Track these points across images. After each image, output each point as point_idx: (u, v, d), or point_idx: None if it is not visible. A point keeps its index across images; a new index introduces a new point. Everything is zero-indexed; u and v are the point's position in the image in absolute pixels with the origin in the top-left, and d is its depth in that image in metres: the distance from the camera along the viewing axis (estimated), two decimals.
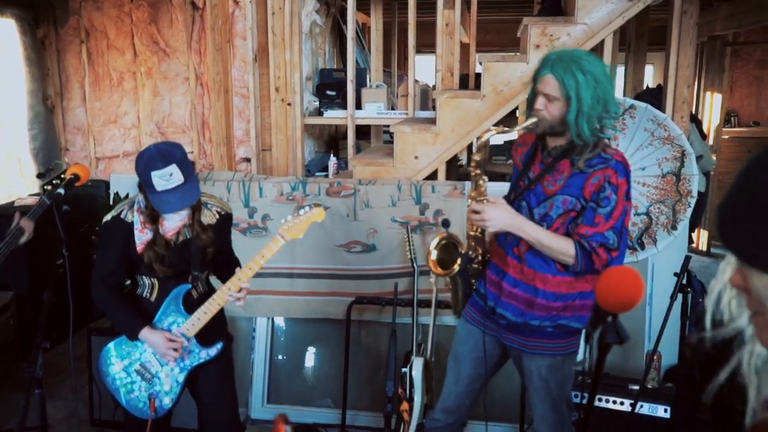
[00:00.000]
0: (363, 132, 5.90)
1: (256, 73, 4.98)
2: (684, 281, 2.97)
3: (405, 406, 3.20)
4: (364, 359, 3.85)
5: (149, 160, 2.22)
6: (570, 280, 2.27)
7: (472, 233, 2.43)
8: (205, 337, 2.48)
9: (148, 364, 2.49)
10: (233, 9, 4.92)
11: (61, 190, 2.37)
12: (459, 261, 2.48)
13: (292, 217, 2.41)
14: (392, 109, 5.30)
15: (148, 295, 2.49)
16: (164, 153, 2.23)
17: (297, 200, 3.81)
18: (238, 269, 2.44)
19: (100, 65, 5.11)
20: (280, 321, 3.99)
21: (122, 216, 2.41)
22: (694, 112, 6.60)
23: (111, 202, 4.36)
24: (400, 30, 7.17)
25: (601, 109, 2.13)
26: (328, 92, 5.28)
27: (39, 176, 2.84)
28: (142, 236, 2.38)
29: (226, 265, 2.59)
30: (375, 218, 3.76)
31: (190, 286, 2.47)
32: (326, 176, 5.21)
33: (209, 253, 2.48)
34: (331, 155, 5.35)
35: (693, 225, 4.28)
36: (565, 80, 2.10)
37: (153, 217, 2.37)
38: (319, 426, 3.70)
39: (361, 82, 5.41)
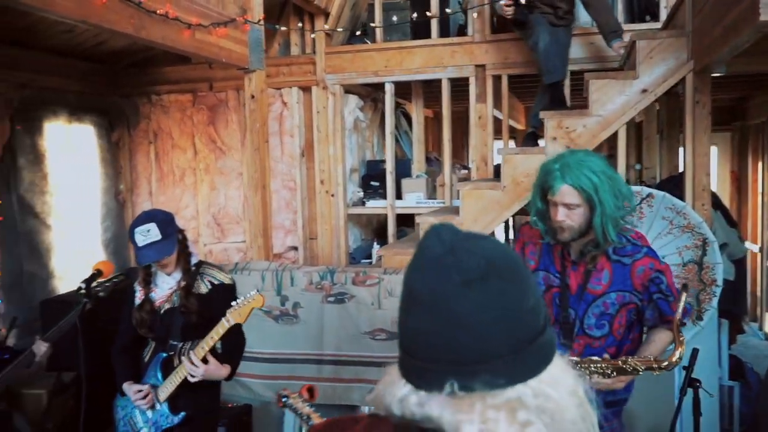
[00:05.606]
0: (411, 220, 6.08)
1: (302, 167, 5.34)
2: (693, 375, 2.87)
3: None
4: None
5: (136, 220, 2.60)
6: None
7: None
8: (173, 403, 2.65)
9: (135, 419, 2.72)
10: (282, 110, 5.34)
11: (82, 284, 2.65)
12: None
13: (239, 301, 2.53)
14: (434, 198, 5.48)
15: (145, 356, 2.76)
16: (149, 214, 2.61)
17: (325, 289, 3.99)
18: (192, 348, 2.57)
19: (165, 163, 5.62)
20: None
21: (134, 284, 2.77)
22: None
23: None
24: (456, 119, 7.46)
25: (621, 205, 2.12)
26: (372, 183, 5.54)
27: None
28: (137, 301, 2.71)
29: (230, 342, 2.67)
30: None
31: (167, 354, 2.68)
32: (370, 263, 5.40)
33: (192, 321, 2.62)
34: (374, 243, 5.55)
35: (735, 314, 4.11)
36: (582, 186, 2.07)
37: (146, 282, 2.69)
38: None
39: (404, 173, 5.65)
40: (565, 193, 2.09)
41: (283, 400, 2.23)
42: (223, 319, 2.50)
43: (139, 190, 5.71)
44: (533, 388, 0.82)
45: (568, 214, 2.11)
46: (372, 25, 5.22)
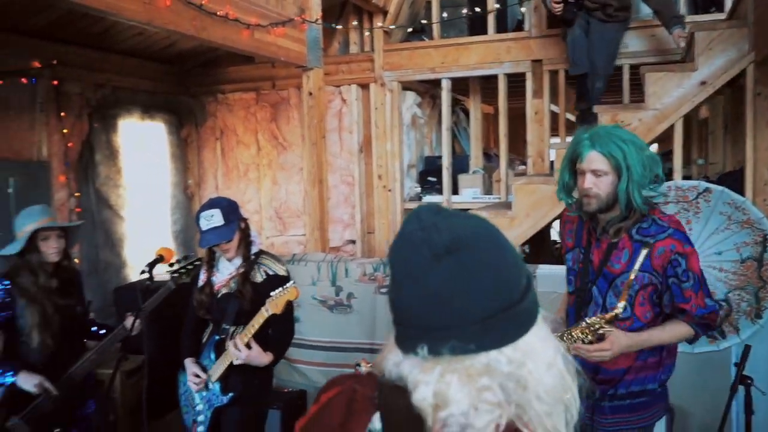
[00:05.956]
0: None
1: (361, 163, 5.46)
2: (748, 373, 2.80)
3: None
4: None
5: (202, 205, 2.77)
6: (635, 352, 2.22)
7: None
8: (225, 383, 2.80)
9: (193, 395, 2.89)
10: (341, 106, 5.48)
11: (146, 268, 2.83)
12: None
13: (276, 293, 2.63)
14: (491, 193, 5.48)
15: (205, 337, 2.92)
16: (214, 200, 2.79)
17: (378, 280, 4.08)
18: (240, 334, 2.71)
19: (231, 158, 5.86)
20: None
21: (200, 271, 2.95)
22: None
23: None
24: (518, 115, 7.44)
25: (649, 175, 2.11)
26: (429, 178, 5.61)
27: (171, 265, 3.34)
28: (200, 283, 2.89)
29: (278, 329, 2.82)
30: None
31: (219, 337, 2.82)
32: None
33: (245, 307, 2.74)
34: None
35: None
36: (612, 152, 2.08)
37: (209, 265, 2.86)
38: None
39: (462, 169, 5.69)
40: (593, 159, 2.10)
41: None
42: (262, 309, 2.63)
43: (206, 184, 5.97)
44: (508, 355, 0.87)
45: (596, 182, 2.11)
46: (423, 22, 5.28)
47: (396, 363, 0.93)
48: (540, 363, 0.89)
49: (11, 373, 2.69)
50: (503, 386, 0.87)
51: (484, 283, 0.87)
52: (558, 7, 3.91)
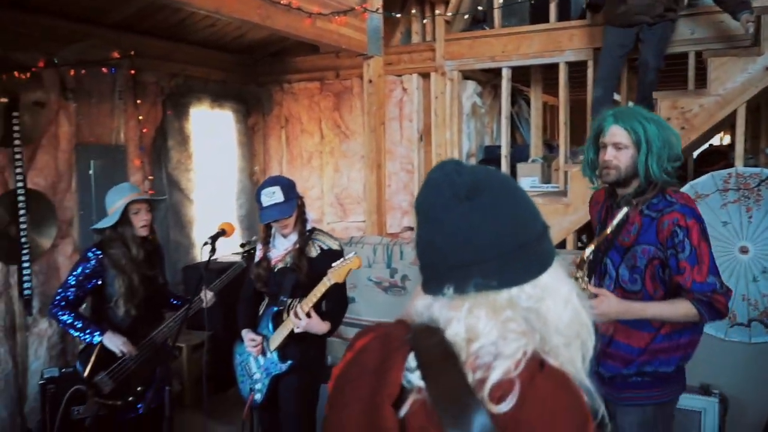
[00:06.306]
0: None
1: (420, 151, 5.54)
2: None
3: None
4: None
5: (263, 183, 2.93)
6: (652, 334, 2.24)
7: None
8: (283, 352, 2.94)
9: (250, 364, 3.05)
10: (402, 96, 5.57)
11: (208, 240, 3.01)
12: None
13: (338, 263, 2.74)
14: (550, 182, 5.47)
15: (261, 309, 3.08)
16: (275, 178, 2.95)
17: None
18: (299, 303, 2.82)
19: (295, 146, 6.05)
20: None
21: (256, 246, 3.13)
22: None
23: None
24: (583, 107, 7.34)
25: (668, 150, 2.18)
26: (488, 167, 5.63)
27: (242, 245, 3.60)
28: (257, 258, 3.06)
29: (334, 301, 2.94)
30: None
31: (277, 308, 2.97)
32: None
33: (301, 280, 2.89)
34: None
35: None
36: (633, 127, 2.18)
37: (266, 241, 3.01)
38: None
39: (522, 158, 5.70)
40: (615, 133, 2.21)
41: None
42: (324, 278, 2.75)
43: (270, 171, 6.18)
44: (527, 292, 0.96)
45: (616, 155, 2.20)
46: (480, 8, 5.30)
47: (426, 306, 1.01)
48: (558, 299, 0.98)
49: (98, 333, 3.00)
50: (526, 318, 0.96)
51: (501, 222, 0.96)
52: None
